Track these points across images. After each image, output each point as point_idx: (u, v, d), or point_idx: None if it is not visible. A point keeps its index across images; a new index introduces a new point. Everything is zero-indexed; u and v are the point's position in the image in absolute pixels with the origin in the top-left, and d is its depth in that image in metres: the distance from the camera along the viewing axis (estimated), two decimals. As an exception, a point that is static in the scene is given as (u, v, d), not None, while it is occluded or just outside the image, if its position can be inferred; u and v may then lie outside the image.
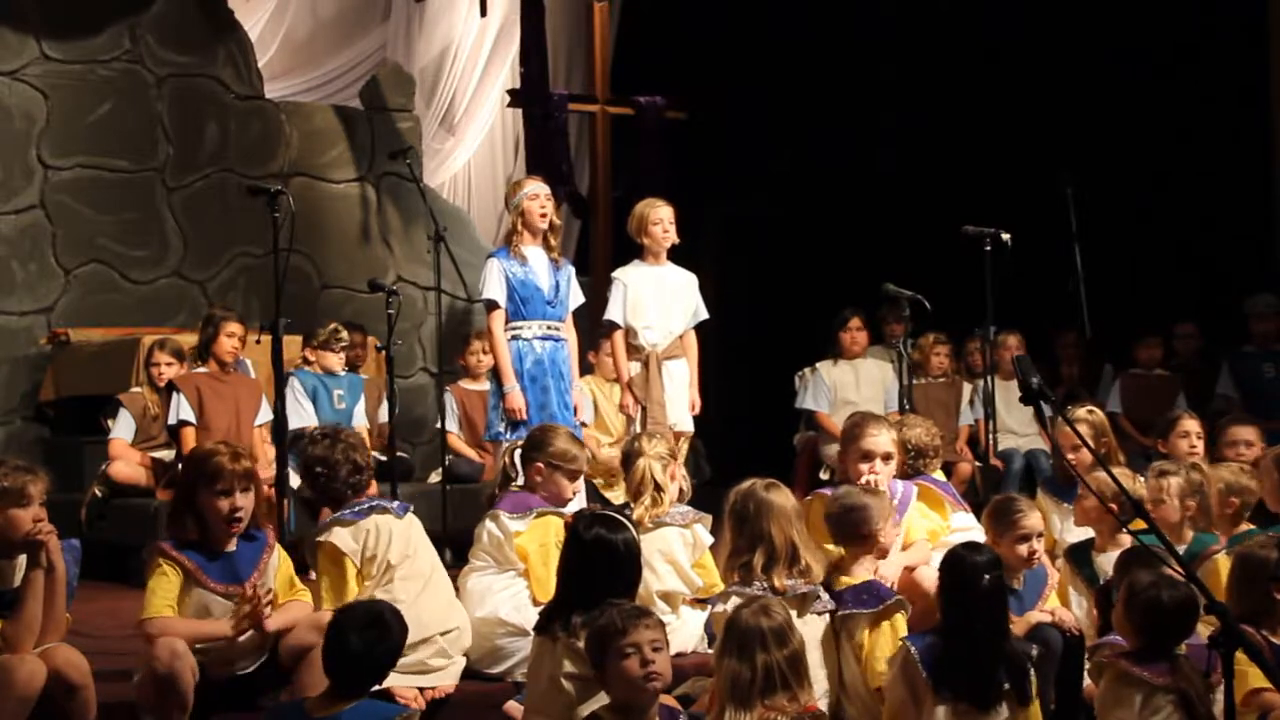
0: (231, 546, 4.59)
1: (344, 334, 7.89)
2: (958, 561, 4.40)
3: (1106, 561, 5.33)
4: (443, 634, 4.92)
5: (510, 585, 5.23)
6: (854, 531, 4.95)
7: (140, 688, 4.37)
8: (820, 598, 4.76)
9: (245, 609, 4.47)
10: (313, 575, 5.15)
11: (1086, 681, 5.00)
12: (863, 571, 4.89)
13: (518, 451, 5.53)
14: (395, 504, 5.10)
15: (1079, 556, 5.49)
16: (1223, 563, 5.06)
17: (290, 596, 4.71)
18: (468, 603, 5.20)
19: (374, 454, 7.31)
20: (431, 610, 4.93)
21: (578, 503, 5.61)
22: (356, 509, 4.96)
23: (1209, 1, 9.54)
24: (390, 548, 4.93)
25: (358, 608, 4.13)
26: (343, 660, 3.89)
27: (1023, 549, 5.04)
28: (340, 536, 4.90)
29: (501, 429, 6.52)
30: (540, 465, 5.39)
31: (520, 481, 5.46)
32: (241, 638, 4.51)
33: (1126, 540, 5.31)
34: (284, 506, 5.97)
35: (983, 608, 4.33)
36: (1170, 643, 4.33)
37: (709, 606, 5.17)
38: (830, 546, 5.08)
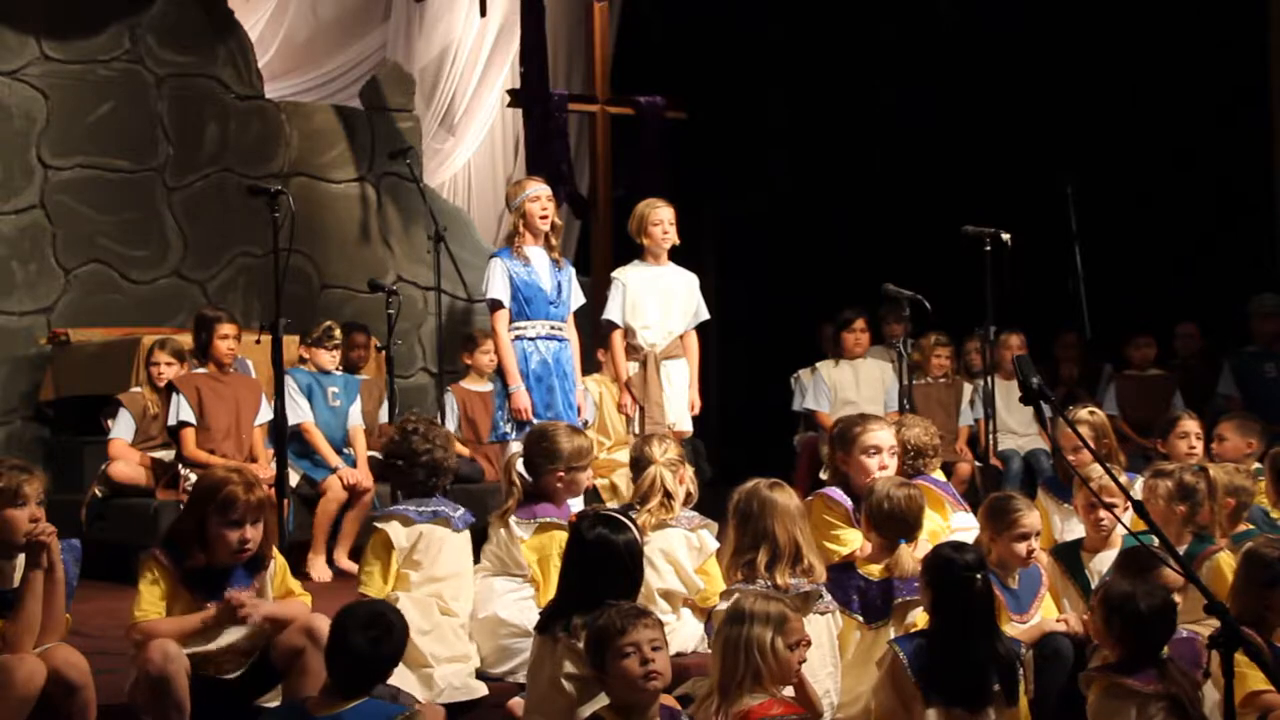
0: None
1: (336, 332, 7.85)
2: (945, 563, 4.37)
3: (1099, 562, 5.33)
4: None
5: (519, 589, 5.21)
6: (918, 520, 5.02)
7: (134, 692, 4.34)
8: (823, 597, 4.76)
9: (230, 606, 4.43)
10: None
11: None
12: (913, 563, 4.90)
13: (520, 462, 5.41)
14: (458, 514, 5.13)
15: (1068, 556, 5.42)
16: (1224, 560, 5.06)
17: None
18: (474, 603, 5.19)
19: (373, 454, 7.33)
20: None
21: (577, 503, 5.58)
22: (421, 510, 5.05)
23: (1209, 1, 9.54)
24: (436, 562, 5.00)
25: (360, 607, 4.11)
26: (346, 660, 3.88)
27: (1020, 547, 5.01)
28: (395, 530, 5.00)
29: (508, 429, 6.48)
30: (560, 474, 5.28)
31: (530, 485, 5.39)
32: (230, 639, 4.48)
33: (1118, 541, 5.30)
34: (284, 506, 5.95)
35: (973, 608, 4.32)
36: (1154, 648, 4.31)
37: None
38: (842, 541, 5.09)
